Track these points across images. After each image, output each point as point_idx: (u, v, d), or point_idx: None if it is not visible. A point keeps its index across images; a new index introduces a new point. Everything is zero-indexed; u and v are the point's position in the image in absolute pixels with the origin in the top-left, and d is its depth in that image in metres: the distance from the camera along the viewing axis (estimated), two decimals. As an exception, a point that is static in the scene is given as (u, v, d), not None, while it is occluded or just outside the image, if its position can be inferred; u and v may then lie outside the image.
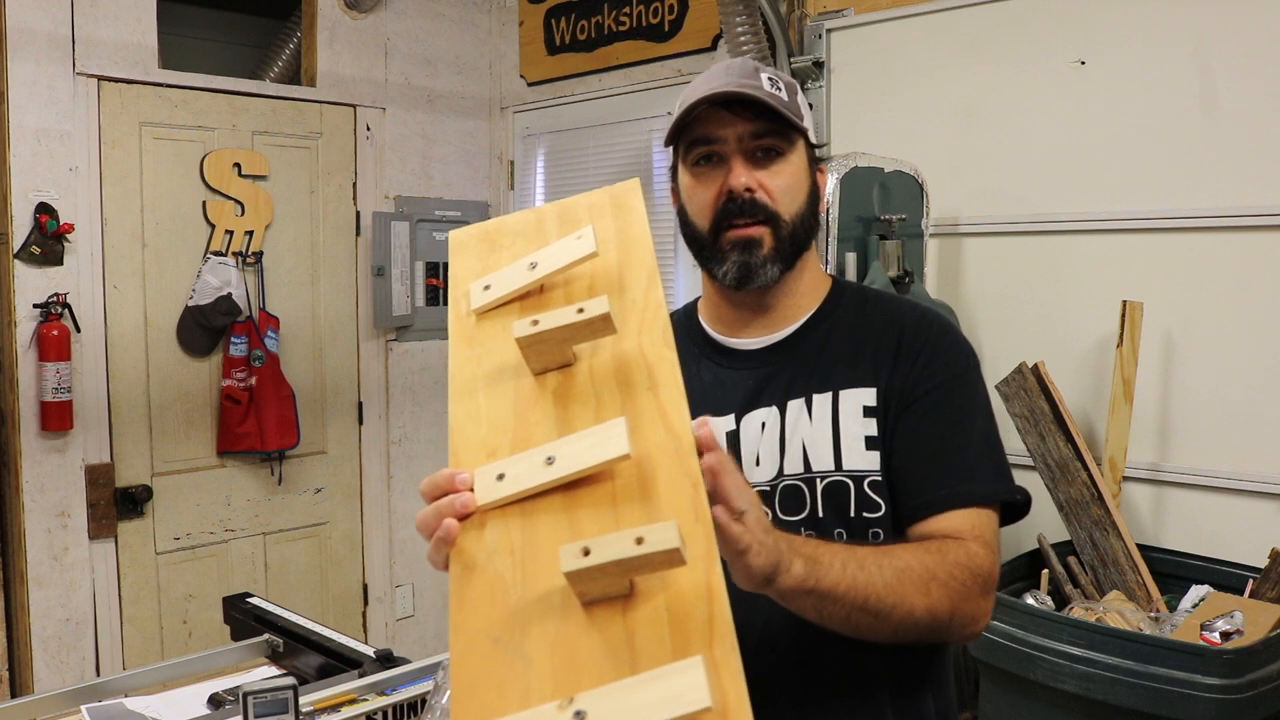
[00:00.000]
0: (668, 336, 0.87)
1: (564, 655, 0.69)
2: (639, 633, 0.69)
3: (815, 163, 1.25)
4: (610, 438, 0.77)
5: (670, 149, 1.25)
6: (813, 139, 1.23)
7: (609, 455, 0.76)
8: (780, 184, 1.18)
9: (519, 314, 0.90)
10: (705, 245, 1.21)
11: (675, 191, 1.26)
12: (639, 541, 0.69)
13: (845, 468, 1.16)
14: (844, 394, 1.18)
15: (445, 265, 3.92)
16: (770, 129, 1.17)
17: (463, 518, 0.80)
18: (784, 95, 1.18)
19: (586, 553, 0.69)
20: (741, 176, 1.16)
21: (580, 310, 0.84)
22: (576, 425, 0.82)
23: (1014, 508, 1.18)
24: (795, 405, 1.19)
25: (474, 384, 0.89)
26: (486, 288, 0.94)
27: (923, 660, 1.19)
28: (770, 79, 1.18)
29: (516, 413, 0.85)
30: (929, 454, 1.15)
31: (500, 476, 0.80)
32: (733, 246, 1.18)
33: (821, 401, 1.19)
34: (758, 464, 1.19)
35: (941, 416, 1.16)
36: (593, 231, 0.91)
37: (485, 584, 0.75)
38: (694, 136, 1.19)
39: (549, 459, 0.79)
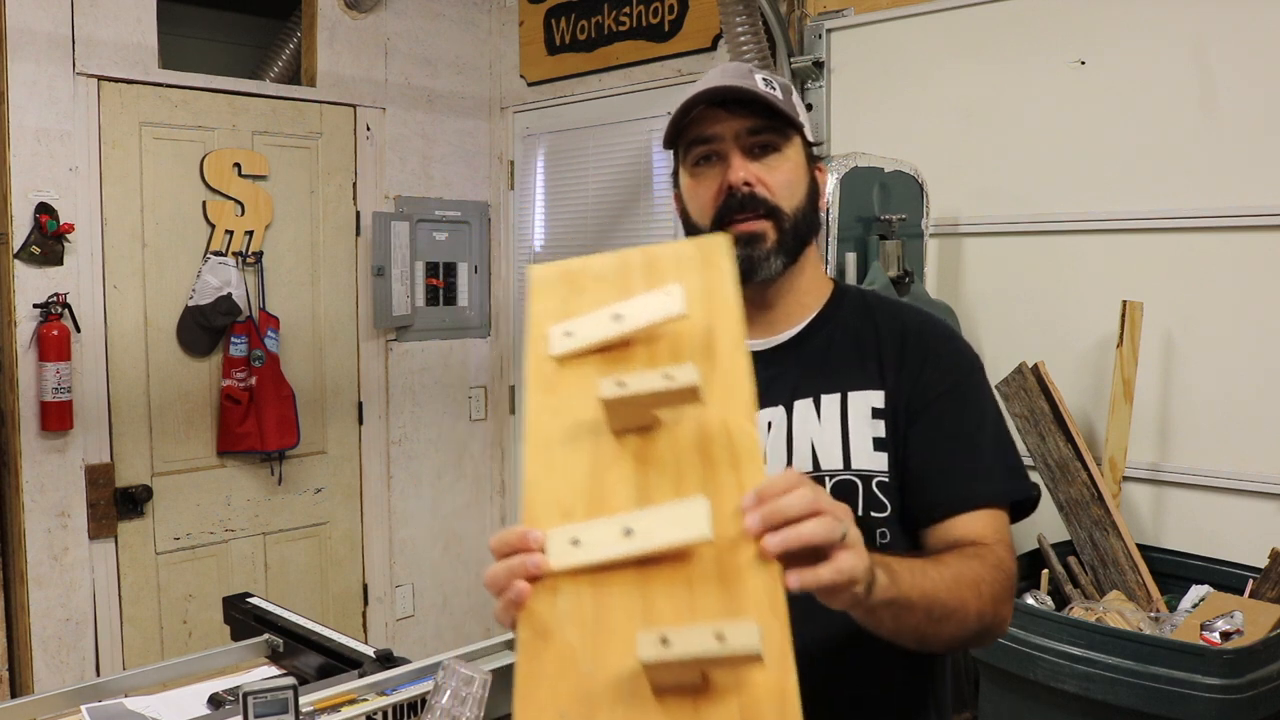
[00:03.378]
0: (751, 409, 0.85)
1: None
2: None
3: (813, 160, 1.26)
4: (692, 517, 0.75)
5: (671, 153, 1.27)
6: (810, 137, 1.24)
7: (690, 537, 0.75)
8: (779, 178, 1.19)
9: (600, 365, 0.89)
10: None
11: (678, 196, 1.28)
12: (719, 639, 0.67)
13: (854, 467, 1.17)
14: (852, 395, 1.19)
15: (444, 265, 3.92)
16: (766, 125, 1.18)
17: (533, 579, 0.78)
18: (779, 95, 1.20)
19: (665, 642, 0.68)
20: (740, 171, 1.17)
21: (668, 378, 0.82)
22: (655, 495, 0.80)
23: (1022, 505, 1.20)
24: (803, 405, 1.20)
25: (551, 437, 0.86)
26: (568, 334, 0.92)
27: (924, 670, 1.21)
28: (765, 80, 1.20)
29: (594, 473, 0.83)
30: (944, 457, 1.16)
31: (575, 542, 0.78)
32: (736, 240, 1.17)
33: (830, 402, 1.20)
34: (765, 464, 1.20)
35: (953, 420, 1.18)
36: (682, 292, 0.90)
37: (555, 655, 0.74)
38: (691, 137, 1.21)
39: (627, 530, 0.77)
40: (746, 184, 1.17)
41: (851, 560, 0.80)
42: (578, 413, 0.87)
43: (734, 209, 1.18)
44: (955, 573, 1.03)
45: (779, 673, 0.70)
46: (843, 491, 1.16)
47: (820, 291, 1.28)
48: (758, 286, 1.21)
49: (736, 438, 0.84)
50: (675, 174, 1.27)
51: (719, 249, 0.97)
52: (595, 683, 0.71)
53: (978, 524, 1.13)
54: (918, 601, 0.95)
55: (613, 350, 0.90)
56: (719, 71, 1.22)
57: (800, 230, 1.21)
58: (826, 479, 1.17)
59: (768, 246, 1.18)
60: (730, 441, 0.83)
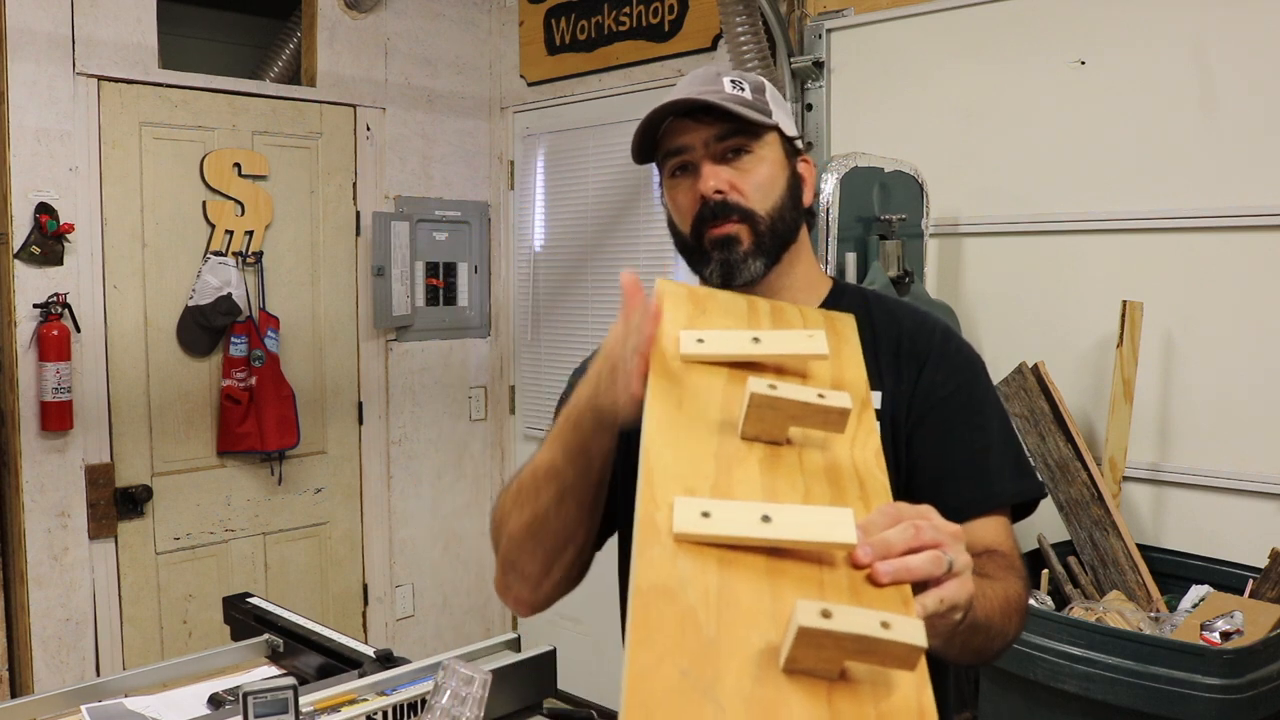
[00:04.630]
0: (880, 459, 0.85)
1: (760, 715, 0.62)
2: None
3: (794, 154, 1.26)
4: (838, 523, 0.73)
5: (651, 164, 1.28)
6: (787, 131, 1.24)
7: (834, 539, 0.72)
8: (751, 181, 1.20)
9: (728, 377, 0.88)
10: (692, 250, 1.23)
11: (664, 203, 1.29)
12: (884, 625, 0.63)
13: None
14: None
15: (445, 265, 3.92)
16: (733, 129, 1.19)
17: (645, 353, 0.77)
18: (747, 94, 1.20)
19: (827, 615, 0.63)
20: (710, 181, 1.18)
21: (821, 396, 0.82)
22: (782, 500, 0.77)
23: (1025, 504, 1.21)
24: None
25: (676, 420, 0.84)
26: (701, 340, 0.91)
27: (943, 676, 1.22)
28: (732, 81, 1.21)
29: (719, 463, 0.80)
30: (956, 459, 1.16)
31: (706, 514, 0.73)
32: (713, 246, 1.20)
33: None
34: None
35: (961, 422, 1.18)
36: (825, 336, 0.90)
37: (676, 612, 0.68)
38: (665, 149, 1.23)
39: (765, 517, 0.73)
40: (718, 191, 1.18)
41: (954, 590, 0.78)
42: (704, 410, 0.86)
43: (708, 217, 1.19)
44: (1004, 590, 1.03)
45: (918, 690, 0.65)
46: None
47: (817, 290, 1.28)
48: (741, 290, 1.22)
49: (865, 476, 0.83)
50: (660, 182, 1.29)
51: (848, 324, 1.00)
52: (720, 649, 0.65)
53: (991, 529, 1.14)
54: (982, 622, 0.94)
55: (740, 369, 0.90)
56: (687, 80, 1.23)
57: (779, 229, 1.21)
58: None
59: (744, 249, 1.19)
60: (859, 477, 0.82)
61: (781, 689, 0.63)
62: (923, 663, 0.66)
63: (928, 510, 0.80)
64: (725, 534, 0.72)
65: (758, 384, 0.82)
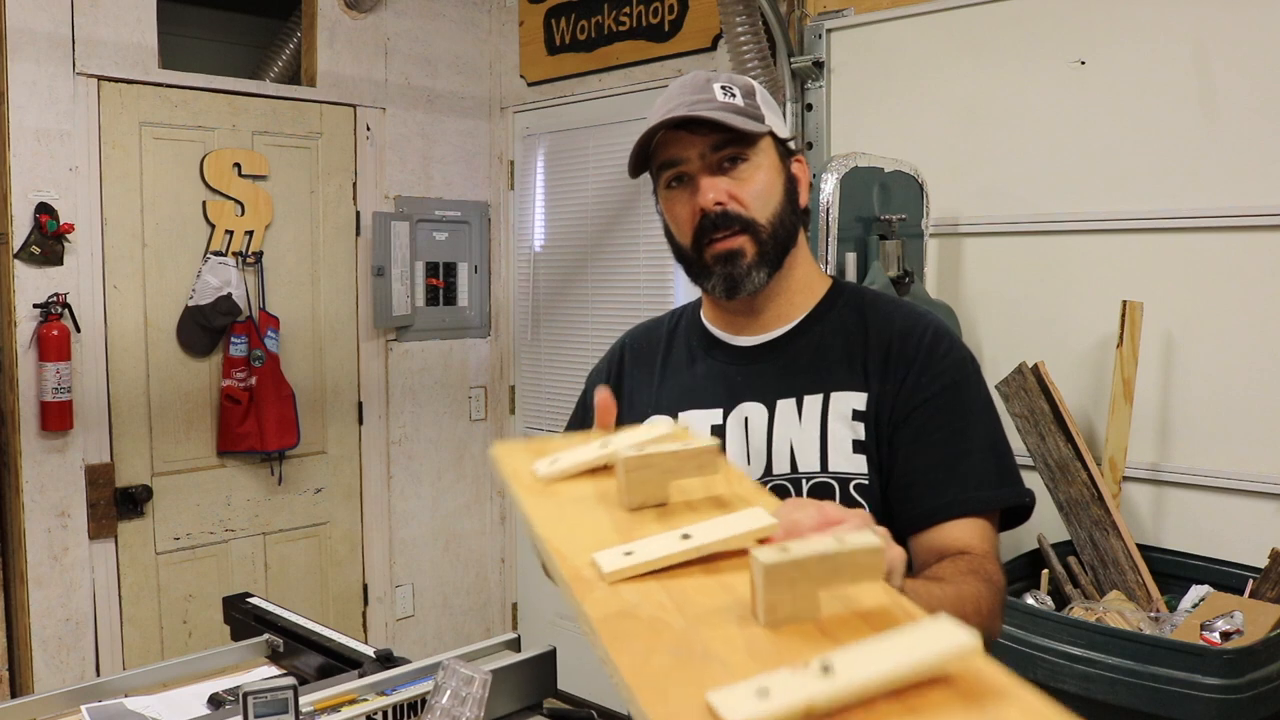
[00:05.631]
0: (760, 486, 0.88)
1: (760, 647, 0.63)
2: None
3: (788, 155, 1.25)
4: (754, 517, 0.76)
5: (645, 174, 1.27)
6: (780, 133, 1.23)
7: (755, 527, 0.75)
8: (751, 190, 1.19)
9: (590, 480, 0.91)
10: (692, 263, 1.23)
11: (660, 213, 1.29)
12: (840, 540, 0.66)
13: (831, 469, 1.17)
14: (834, 396, 1.19)
15: (445, 265, 3.92)
16: (728, 139, 1.18)
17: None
18: (739, 100, 1.19)
19: (785, 550, 0.65)
20: (709, 193, 1.18)
21: (686, 444, 0.85)
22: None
23: (1018, 511, 1.19)
24: (785, 405, 1.21)
25: (562, 515, 0.86)
26: (554, 461, 0.94)
27: None
28: (723, 87, 1.20)
29: (619, 529, 0.82)
30: (931, 462, 1.15)
31: (628, 553, 0.75)
32: (716, 260, 1.20)
33: (812, 402, 1.20)
34: (748, 462, 1.21)
35: (941, 424, 1.17)
36: (669, 420, 0.94)
37: (641, 622, 0.67)
38: (660, 161, 1.22)
39: (685, 535, 0.75)
40: (718, 204, 1.18)
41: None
42: (584, 501, 0.88)
43: (709, 230, 1.19)
44: (957, 592, 1.02)
45: (893, 597, 0.68)
46: (819, 494, 1.17)
47: (814, 289, 1.28)
48: (744, 297, 1.22)
49: (753, 497, 0.86)
50: (655, 191, 1.28)
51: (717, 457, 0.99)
52: (698, 633, 0.65)
53: (964, 532, 1.13)
54: None
55: (598, 472, 0.93)
56: (678, 87, 1.22)
57: (780, 237, 1.21)
58: (804, 481, 1.17)
59: (748, 261, 1.19)
60: (747, 500, 0.85)
61: (773, 635, 0.64)
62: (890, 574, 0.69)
63: (832, 503, 0.83)
64: (654, 558, 0.74)
65: (627, 452, 0.84)
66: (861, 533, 0.67)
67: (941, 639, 0.57)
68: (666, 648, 0.64)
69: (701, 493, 0.87)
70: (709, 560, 0.74)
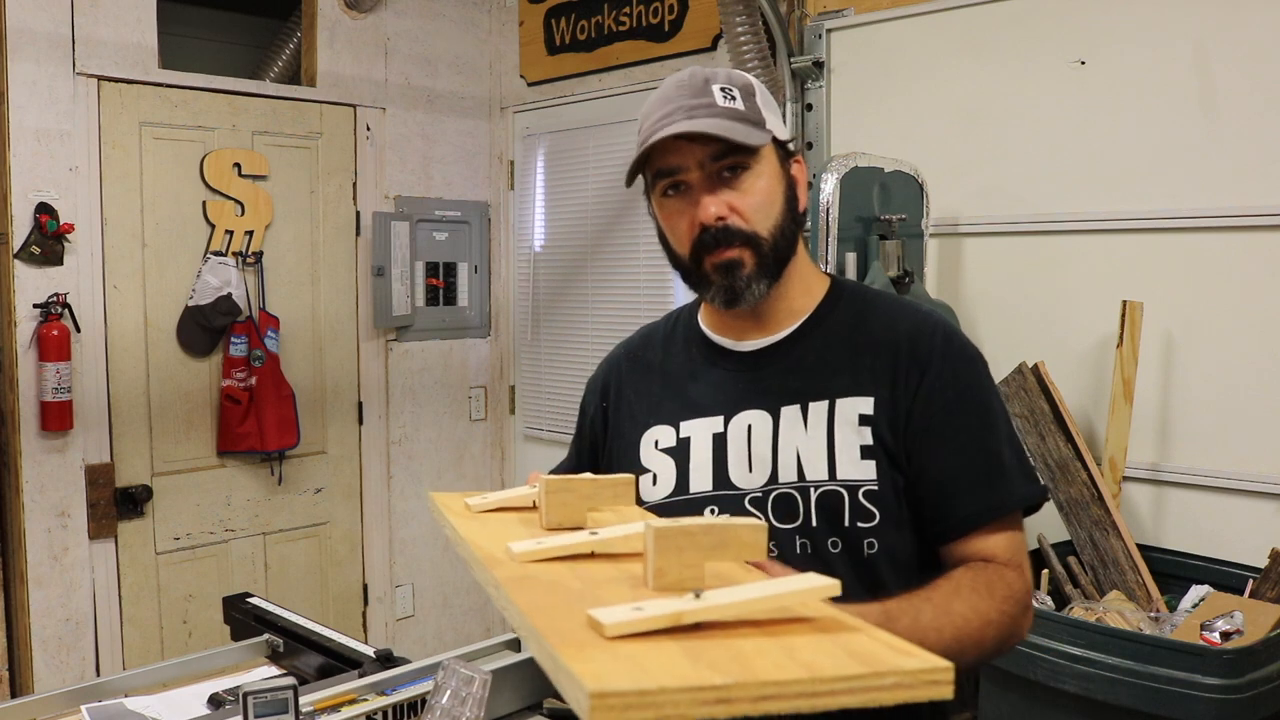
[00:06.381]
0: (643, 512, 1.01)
1: (645, 601, 0.69)
2: None
3: (788, 157, 1.21)
4: (639, 526, 0.86)
5: (640, 176, 1.23)
6: (780, 135, 1.19)
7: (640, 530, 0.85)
8: (751, 202, 1.15)
9: (515, 515, 1.04)
10: (690, 272, 1.20)
11: (654, 216, 1.25)
12: (727, 519, 0.77)
13: (840, 477, 1.15)
14: (840, 402, 1.17)
15: (445, 265, 3.92)
16: (729, 148, 1.14)
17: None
18: (739, 104, 1.15)
19: (676, 522, 0.75)
20: (710, 207, 1.14)
21: (599, 477, 0.99)
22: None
23: (1032, 506, 1.19)
24: (790, 412, 1.19)
25: (484, 526, 1.00)
26: (484, 498, 1.08)
27: None
28: (723, 89, 1.15)
29: (532, 535, 0.94)
30: (962, 467, 1.15)
31: (539, 543, 0.87)
32: (715, 270, 1.17)
33: (818, 409, 1.18)
34: (750, 470, 1.19)
35: (963, 426, 1.16)
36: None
37: (543, 582, 0.78)
38: (656, 168, 1.17)
39: (592, 532, 0.88)
40: (719, 218, 1.14)
41: None
42: (507, 523, 1.01)
43: (709, 244, 1.16)
44: (959, 623, 1.03)
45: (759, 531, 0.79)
46: (829, 502, 1.15)
47: (814, 291, 1.26)
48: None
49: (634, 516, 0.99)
50: (648, 194, 1.24)
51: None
52: (595, 591, 0.75)
53: (994, 541, 1.13)
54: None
55: (523, 510, 1.06)
56: (675, 86, 1.17)
57: (780, 249, 1.18)
58: (812, 489, 1.15)
59: (747, 272, 1.16)
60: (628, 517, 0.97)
61: (659, 597, 0.71)
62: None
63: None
64: (560, 546, 0.86)
65: (547, 479, 0.97)
66: (751, 521, 0.77)
67: (804, 583, 0.68)
68: (562, 597, 0.73)
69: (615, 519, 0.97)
70: (614, 557, 0.85)
